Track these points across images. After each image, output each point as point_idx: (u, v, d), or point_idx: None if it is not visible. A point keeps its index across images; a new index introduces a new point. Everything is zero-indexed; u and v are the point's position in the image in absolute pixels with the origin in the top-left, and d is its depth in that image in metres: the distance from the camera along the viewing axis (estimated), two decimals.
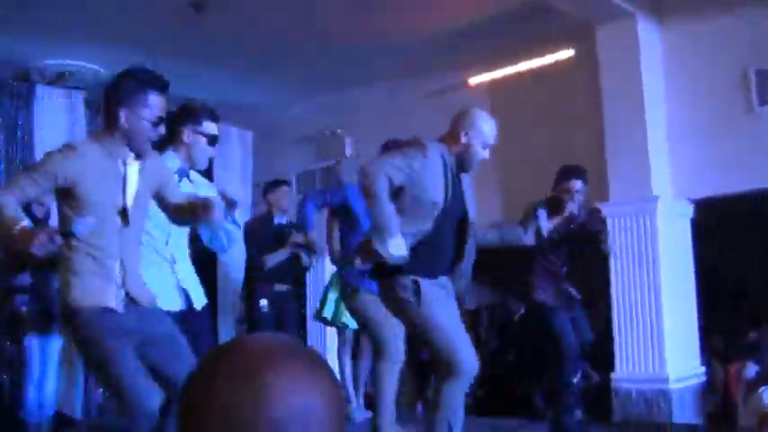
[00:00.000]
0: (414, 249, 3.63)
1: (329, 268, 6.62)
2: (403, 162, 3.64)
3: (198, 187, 3.83)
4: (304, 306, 7.83)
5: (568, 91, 7.03)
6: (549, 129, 7.13)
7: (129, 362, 2.94)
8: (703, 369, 6.68)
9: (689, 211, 6.64)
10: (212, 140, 3.76)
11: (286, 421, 0.88)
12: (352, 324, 6.02)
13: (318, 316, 6.30)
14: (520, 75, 7.39)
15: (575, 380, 5.32)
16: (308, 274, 8.41)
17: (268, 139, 9.09)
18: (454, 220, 3.80)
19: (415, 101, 7.76)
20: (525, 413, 6.90)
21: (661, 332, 6.15)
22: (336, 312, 6.08)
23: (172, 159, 3.68)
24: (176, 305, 3.50)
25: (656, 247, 6.26)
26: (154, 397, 2.93)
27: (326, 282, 6.43)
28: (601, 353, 6.97)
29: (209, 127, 3.76)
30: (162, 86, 3.07)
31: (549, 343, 5.33)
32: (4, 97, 7.39)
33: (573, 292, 5.37)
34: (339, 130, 8.63)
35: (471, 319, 8.60)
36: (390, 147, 4.31)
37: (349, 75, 7.97)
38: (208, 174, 7.71)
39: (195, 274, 3.72)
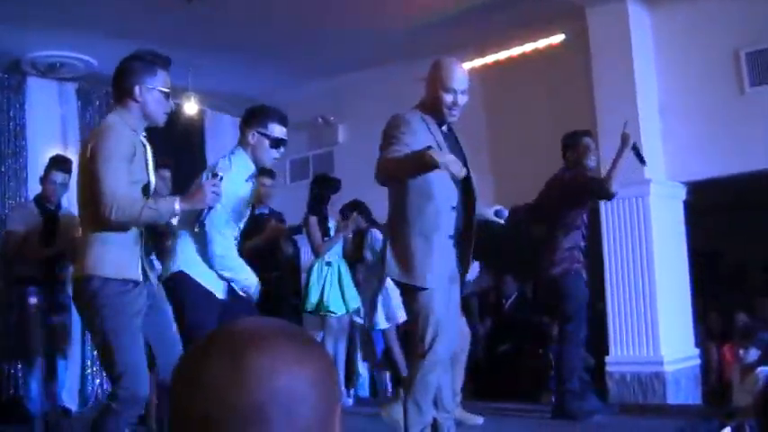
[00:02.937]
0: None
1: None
2: (398, 144, 3.55)
3: None
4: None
5: (559, 75, 7.02)
6: (540, 113, 7.12)
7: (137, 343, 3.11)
8: (697, 351, 6.71)
9: (682, 193, 6.66)
10: (277, 143, 3.86)
11: (267, 404, 0.86)
12: (340, 310, 6.06)
13: (302, 309, 6.30)
14: (511, 59, 7.38)
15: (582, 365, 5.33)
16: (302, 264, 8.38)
17: None
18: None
19: (407, 87, 7.72)
20: (524, 397, 6.91)
21: (655, 315, 6.18)
22: (319, 303, 6.06)
23: (243, 158, 3.82)
24: (221, 294, 3.76)
25: (649, 229, 6.28)
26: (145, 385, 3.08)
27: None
28: (593, 336, 6.99)
29: (275, 130, 3.86)
30: (164, 64, 3.40)
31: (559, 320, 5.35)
32: None
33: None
34: (332, 118, 8.62)
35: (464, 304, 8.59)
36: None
37: (341, 61, 7.95)
38: (202, 163, 7.73)
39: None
